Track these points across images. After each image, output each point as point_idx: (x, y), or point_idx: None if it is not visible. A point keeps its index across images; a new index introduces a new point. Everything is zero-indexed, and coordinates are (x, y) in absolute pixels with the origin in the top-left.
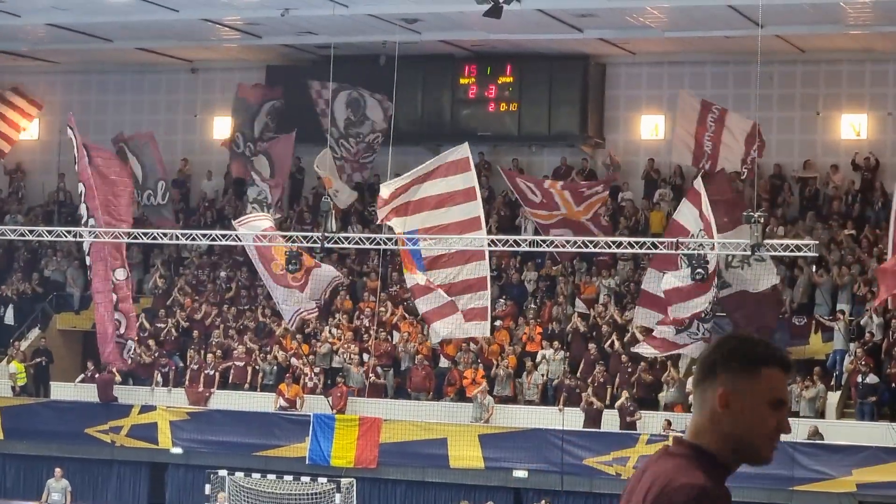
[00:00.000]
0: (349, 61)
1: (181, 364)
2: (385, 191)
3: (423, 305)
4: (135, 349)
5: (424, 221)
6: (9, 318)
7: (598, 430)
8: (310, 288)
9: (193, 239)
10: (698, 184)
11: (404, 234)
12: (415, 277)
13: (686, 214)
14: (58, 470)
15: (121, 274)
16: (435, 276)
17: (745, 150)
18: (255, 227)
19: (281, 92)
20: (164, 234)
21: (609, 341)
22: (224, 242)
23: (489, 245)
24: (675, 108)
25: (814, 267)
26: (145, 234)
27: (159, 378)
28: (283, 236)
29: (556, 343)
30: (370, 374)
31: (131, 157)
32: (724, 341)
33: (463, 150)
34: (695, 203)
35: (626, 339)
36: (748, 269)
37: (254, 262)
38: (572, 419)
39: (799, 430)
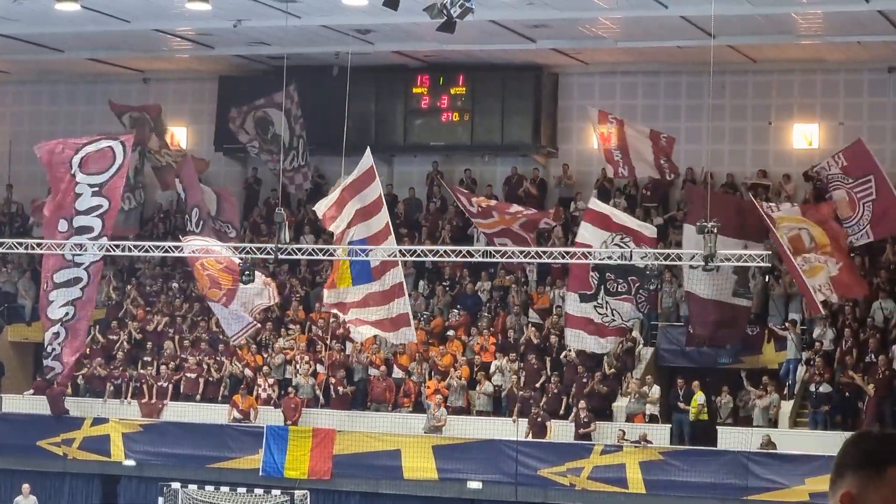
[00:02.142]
0: (302, 71)
1: (134, 375)
2: (321, 209)
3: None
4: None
5: (364, 231)
6: None
7: (551, 440)
8: (236, 304)
9: (147, 251)
10: (594, 203)
11: (350, 243)
12: (337, 293)
13: (585, 235)
14: (25, 486)
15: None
16: (368, 287)
17: (654, 151)
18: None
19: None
20: (117, 247)
21: (563, 352)
22: (178, 254)
23: (444, 255)
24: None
25: (766, 276)
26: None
27: (112, 390)
28: (236, 248)
29: (511, 354)
30: (332, 387)
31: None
32: (856, 439)
33: (367, 161)
34: (595, 222)
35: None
36: (716, 277)
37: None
38: (525, 430)
39: (752, 439)
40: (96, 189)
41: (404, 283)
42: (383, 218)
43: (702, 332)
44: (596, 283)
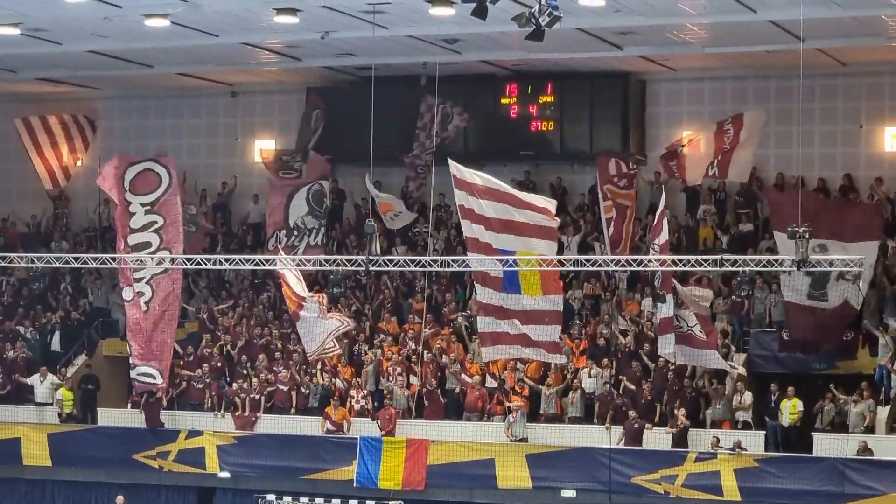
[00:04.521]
0: (389, 82)
1: (227, 389)
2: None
3: (484, 325)
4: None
5: (517, 244)
6: (55, 344)
7: (645, 447)
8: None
9: (236, 264)
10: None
11: (500, 251)
12: (489, 293)
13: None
14: (119, 497)
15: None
16: (515, 301)
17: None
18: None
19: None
20: (208, 260)
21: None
22: (265, 267)
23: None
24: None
25: (860, 281)
26: (188, 261)
27: (208, 403)
28: (326, 260)
29: (602, 360)
30: (423, 396)
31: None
32: None
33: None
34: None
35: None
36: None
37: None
38: (619, 437)
39: (849, 445)
40: (148, 207)
41: (561, 313)
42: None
43: (798, 336)
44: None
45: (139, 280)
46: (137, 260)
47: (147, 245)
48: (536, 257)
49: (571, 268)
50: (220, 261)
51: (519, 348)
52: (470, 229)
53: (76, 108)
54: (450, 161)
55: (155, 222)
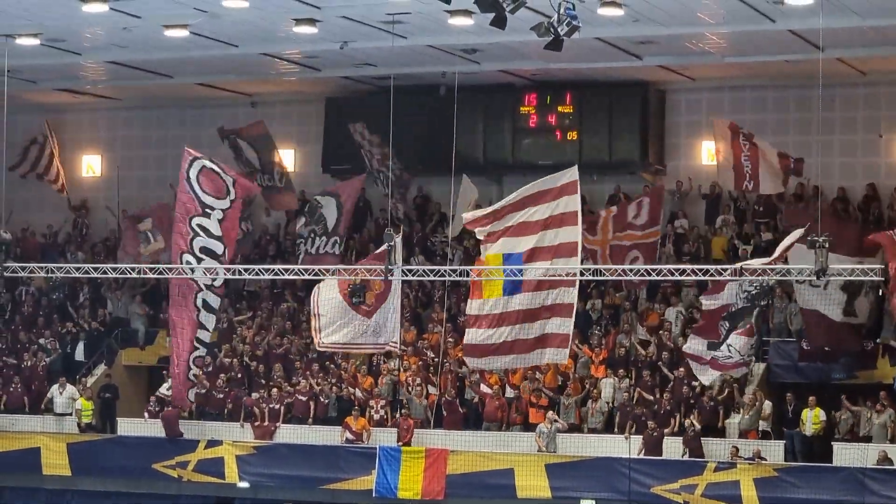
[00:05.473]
0: (409, 92)
1: (246, 399)
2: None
3: (471, 336)
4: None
5: (528, 244)
6: (79, 354)
7: (665, 457)
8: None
9: (258, 274)
10: None
11: (503, 255)
12: (491, 303)
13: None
14: None
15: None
16: (523, 300)
17: (783, 170)
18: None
19: None
20: (229, 270)
21: (674, 369)
22: (287, 277)
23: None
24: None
25: (880, 291)
26: (209, 271)
27: (225, 412)
28: (346, 269)
29: (620, 370)
30: (442, 406)
31: (247, 147)
32: None
33: (572, 174)
34: None
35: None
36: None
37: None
38: (637, 447)
39: (868, 455)
40: (220, 214)
41: (574, 305)
42: (572, 234)
43: (817, 343)
44: (725, 331)
45: (206, 287)
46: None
47: (213, 252)
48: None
49: (591, 277)
50: (240, 271)
51: (514, 357)
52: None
53: (95, 119)
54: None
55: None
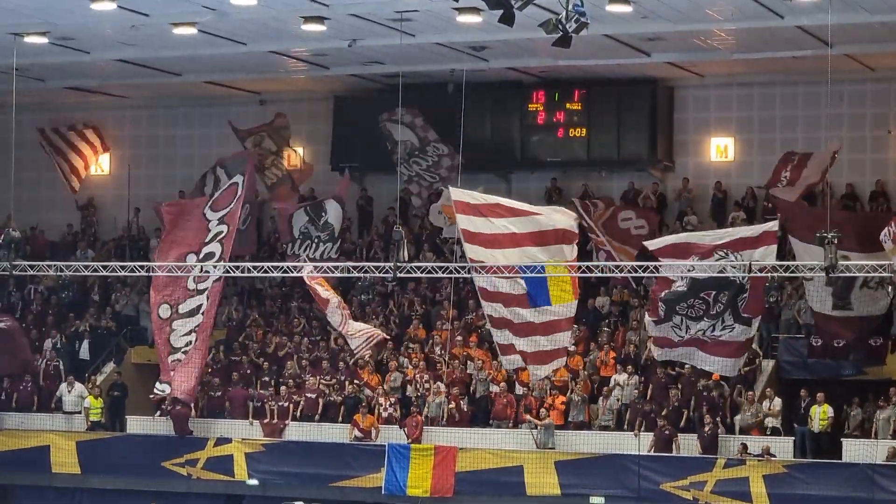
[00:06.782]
0: (417, 89)
1: (255, 395)
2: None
3: (500, 337)
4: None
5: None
6: (84, 352)
7: (674, 454)
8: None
9: (266, 272)
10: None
11: (519, 267)
12: (499, 308)
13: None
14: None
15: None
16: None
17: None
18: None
19: None
20: (237, 268)
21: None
22: (295, 274)
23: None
24: (744, 131)
25: (889, 287)
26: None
27: (234, 410)
28: (355, 267)
29: (629, 368)
30: (451, 404)
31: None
32: None
33: (567, 222)
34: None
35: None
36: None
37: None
38: (648, 445)
39: (878, 451)
40: (221, 217)
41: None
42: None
43: (826, 340)
44: (663, 314)
45: (201, 293)
46: (198, 273)
47: (212, 255)
48: (564, 264)
49: (599, 274)
50: (247, 269)
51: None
52: (474, 252)
53: (103, 117)
54: (451, 189)
55: (221, 232)
